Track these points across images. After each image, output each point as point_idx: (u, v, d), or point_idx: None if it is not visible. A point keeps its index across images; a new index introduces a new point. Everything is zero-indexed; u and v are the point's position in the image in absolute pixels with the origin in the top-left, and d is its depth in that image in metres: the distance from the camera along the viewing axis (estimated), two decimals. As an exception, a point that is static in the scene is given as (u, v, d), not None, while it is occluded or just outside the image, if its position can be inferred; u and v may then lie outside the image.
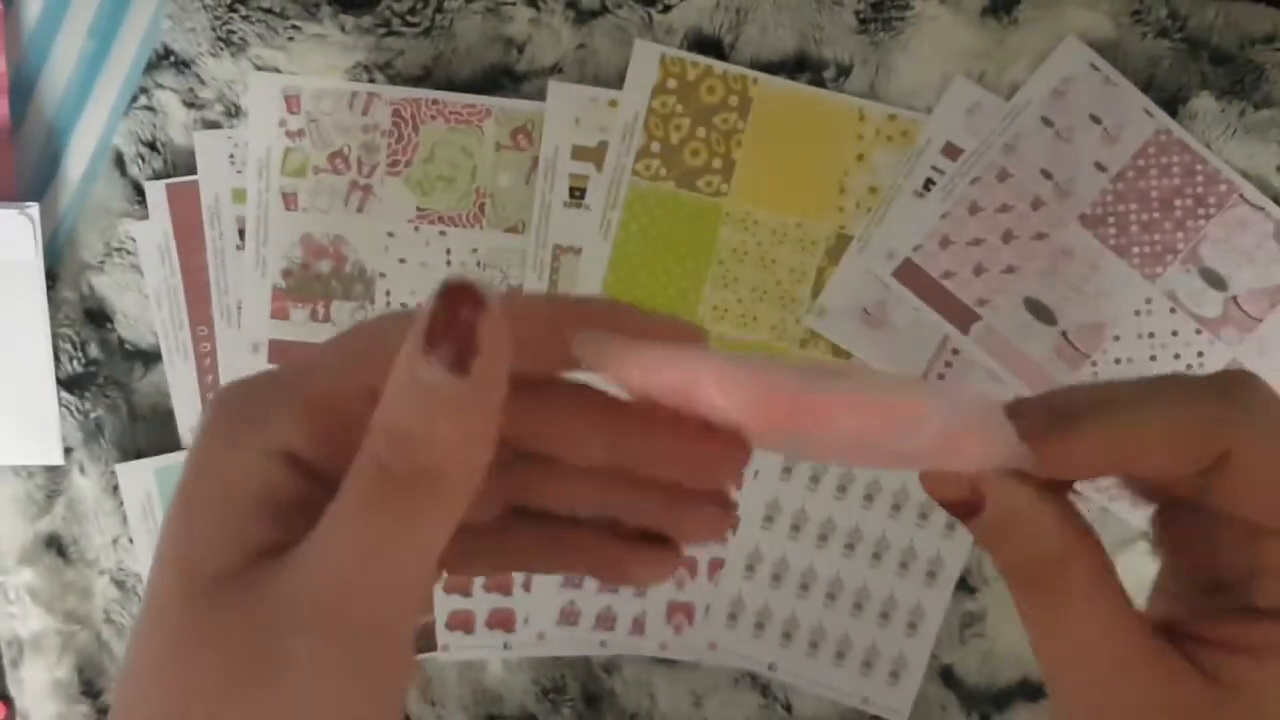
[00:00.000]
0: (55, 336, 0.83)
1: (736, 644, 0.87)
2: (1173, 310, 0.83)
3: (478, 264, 0.85)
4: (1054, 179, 0.83)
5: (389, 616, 0.37)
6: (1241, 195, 0.82)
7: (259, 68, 0.84)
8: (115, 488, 0.86)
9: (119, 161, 0.85)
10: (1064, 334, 0.84)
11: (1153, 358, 0.83)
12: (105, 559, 0.87)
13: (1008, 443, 0.35)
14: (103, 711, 0.87)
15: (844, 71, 0.84)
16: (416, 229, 0.85)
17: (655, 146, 0.84)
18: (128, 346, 0.87)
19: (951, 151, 0.83)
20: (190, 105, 0.85)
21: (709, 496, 0.42)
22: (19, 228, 0.78)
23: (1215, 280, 0.83)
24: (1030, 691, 0.86)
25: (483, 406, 0.33)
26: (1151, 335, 0.83)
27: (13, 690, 0.87)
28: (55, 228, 0.83)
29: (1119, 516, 0.84)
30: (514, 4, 0.84)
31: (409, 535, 0.34)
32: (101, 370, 0.86)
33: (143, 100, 0.85)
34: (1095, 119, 0.83)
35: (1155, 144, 0.83)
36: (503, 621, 0.88)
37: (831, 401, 0.33)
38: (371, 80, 0.84)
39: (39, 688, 0.87)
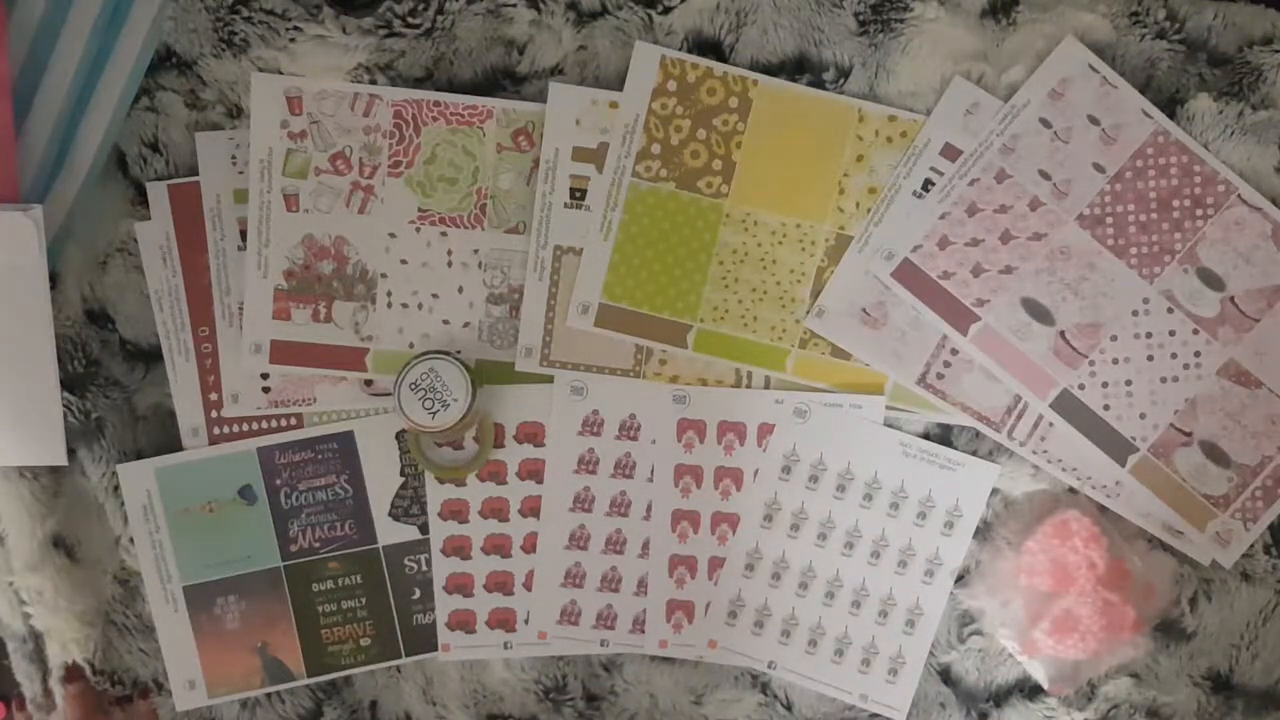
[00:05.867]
0: (57, 337, 0.82)
1: (736, 642, 0.88)
2: (1170, 310, 0.83)
3: (479, 264, 0.86)
4: (1052, 180, 0.83)
5: None
6: (1239, 196, 0.83)
7: (261, 69, 0.84)
8: (116, 488, 0.86)
9: (121, 162, 0.85)
10: (1061, 334, 0.84)
11: (1150, 358, 0.84)
12: (108, 559, 0.87)
13: None
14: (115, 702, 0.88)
15: (844, 73, 0.84)
16: (418, 230, 0.85)
17: (655, 148, 0.85)
18: (129, 347, 0.87)
19: (950, 152, 0.84)
20: (192, 106, 0.85)
21: None
22: (22, 229, 0.78)
23: (1213, 280, 0.83)
24: (1028, 690, 0.87)
25: None
26: (1149, 335, 0.83)
27: (24, 684, 0.88)
28: (58, 229, 0.83)
29: (1118, 514, 0.85)
30: (515, 6, 0.84)
31: None
32: (102, 370, 0.86)
33: (145, 101, 0.85)
34: (1093, 120, 0.83)
35: (1153, 145, 0.83)
36: (504, 621, 0.88)
37: None
38: (373, 81, 0.84)
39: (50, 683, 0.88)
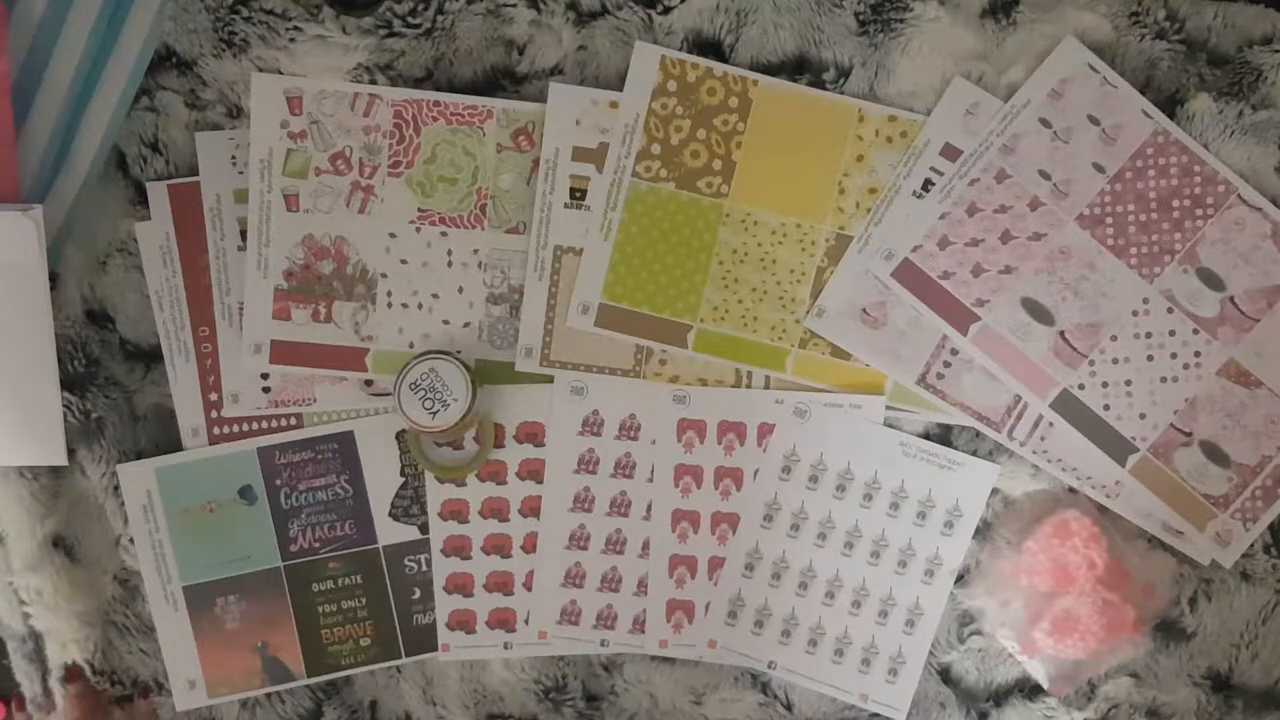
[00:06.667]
0: (56, 337, 0.82)
1: (736, 642, 0.88)
2: (1170, 310, 0.83)
3: (479, 265, 0.86)
4: (1052, 180, 0.83)
5: None
6: (1239, 196, 0.83)
7: (261, 69, 0.84)
8: (116, 488, 0.86)
9: (121, 162, 0.85)
10: (1061, 334, 0.84)
11: (1150, 358, 0.84)
12: (109, 559, 0.87)
13: None
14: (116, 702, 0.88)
15: (844, 73, 0.84)
16: (418, 230, 0.85)
17: (655, 148, 0.85)
18: (129, 347, 0.87)
19: (950, 152, 0.84)
20: (192, 106, 0.85)
21: None
22: (22, 229, 0.78)
23: (1212, 280, 0.83)
24: (1028, 690, 0.87)
25: None
26: (1149, 335, 0.83)
27: (24, 684, 0.88)
28: (58, 229, 0.83)
29: (1118, 514, 0.85)
30: (515, 6, 0.84)
31: None
32: (102, 370, 0.86)
33: (145, 101, 0.85)
34: (1093, 120, 0.83)
35: (1153, 145, 0.83)
36: (504, 621, 0.88)
37: None
38: (373, 81, 0.84)
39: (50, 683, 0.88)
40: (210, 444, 0.86)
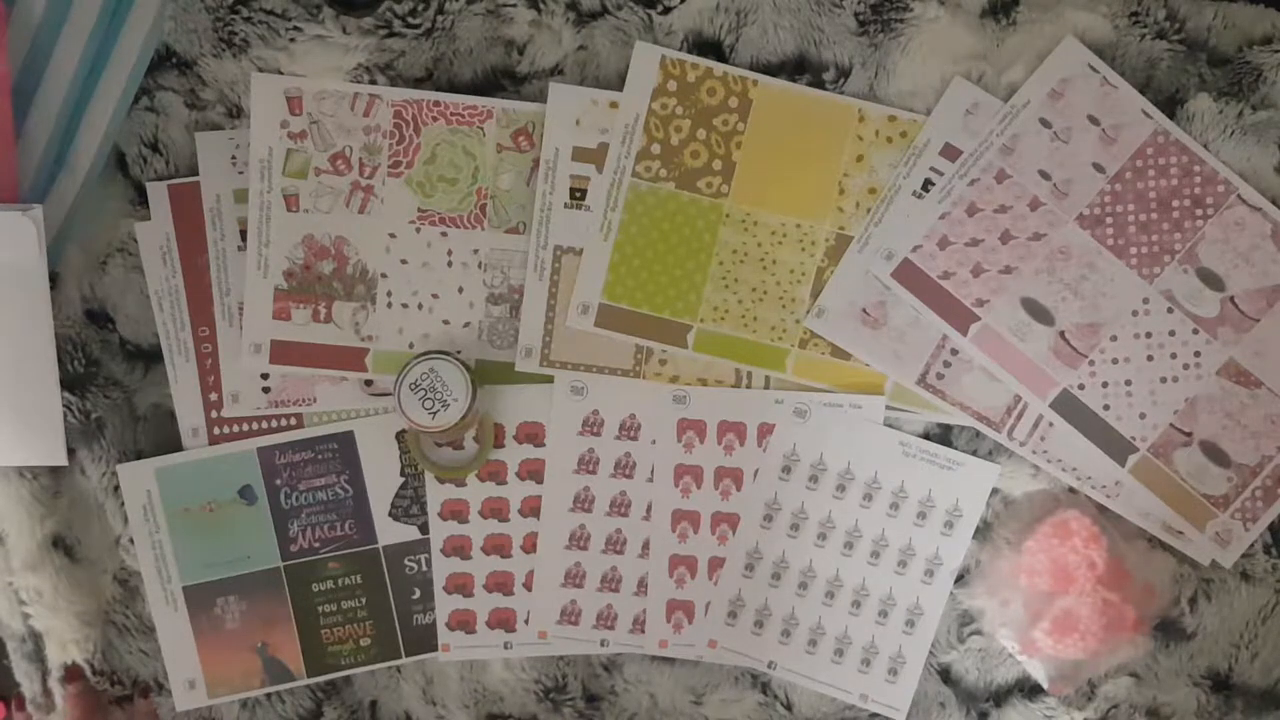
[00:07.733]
0: (56, 337, 0.82)
1: (736, 642, 0.88)
2: (1170, 310, 0.83)
3: (479, 264, 0.86)
4: (1052, 180, 0.83)
5: None
6: (1239, 196, 0.83)
7: (261, 69, 0.84)
8: (116, 488, 0.86)
9: (121, 162, 0.85)
10: (1061, 334, 0.84)
11: (1150, 358, 0.84)
12: (109, 559, 0.87)
13: None
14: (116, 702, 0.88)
15: (844, 73, 0.84)
16: (418, 230, 0.85)
17: (655, 148, 0.85)
18: (129, 347, 0.87)
19: (950, 152, 0.84)
20: (192, 106, 0.85)
21: None
22: (22, 229, 0.78)
23: (1212, 280, 0.83)
24: (1028, 690, 0.87)
25: None
26: (1149, 335, 0.83)
27: (24, 684, 0.88)
28: (58, 229, 0.83)
29: (1118, 514, 0.85)
30: (515, 6, 0.84)
31: None
32: (102, 370, 0.86)
33: (145, 101, 0.85)
34: (1093, 120, 0.83)
35: (1153, 145, 0.83)
36: (504, 621, 0.88)
37: None
38: (373, 82, 0.84)
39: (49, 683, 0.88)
40: (210, 444, 0.86)
